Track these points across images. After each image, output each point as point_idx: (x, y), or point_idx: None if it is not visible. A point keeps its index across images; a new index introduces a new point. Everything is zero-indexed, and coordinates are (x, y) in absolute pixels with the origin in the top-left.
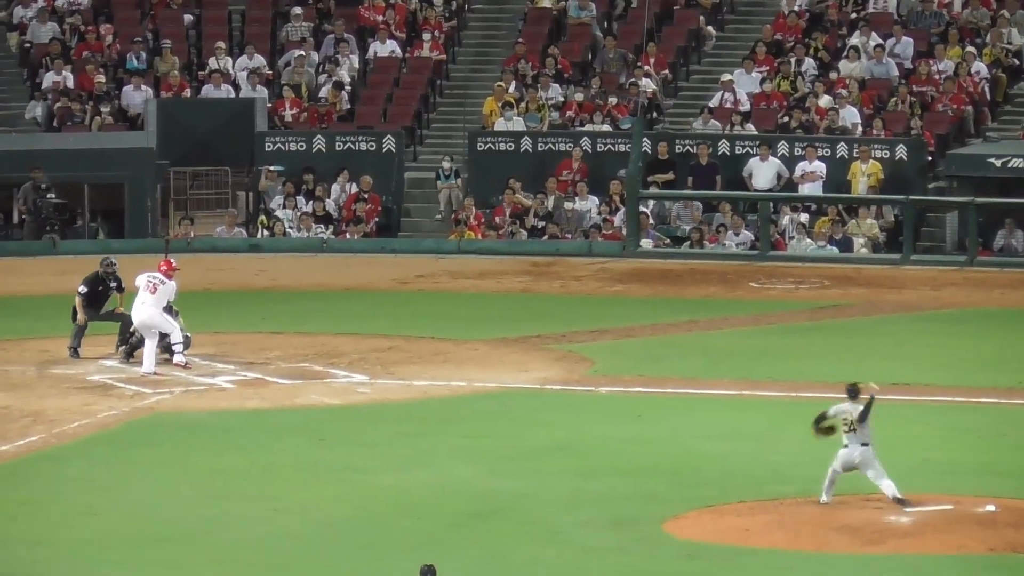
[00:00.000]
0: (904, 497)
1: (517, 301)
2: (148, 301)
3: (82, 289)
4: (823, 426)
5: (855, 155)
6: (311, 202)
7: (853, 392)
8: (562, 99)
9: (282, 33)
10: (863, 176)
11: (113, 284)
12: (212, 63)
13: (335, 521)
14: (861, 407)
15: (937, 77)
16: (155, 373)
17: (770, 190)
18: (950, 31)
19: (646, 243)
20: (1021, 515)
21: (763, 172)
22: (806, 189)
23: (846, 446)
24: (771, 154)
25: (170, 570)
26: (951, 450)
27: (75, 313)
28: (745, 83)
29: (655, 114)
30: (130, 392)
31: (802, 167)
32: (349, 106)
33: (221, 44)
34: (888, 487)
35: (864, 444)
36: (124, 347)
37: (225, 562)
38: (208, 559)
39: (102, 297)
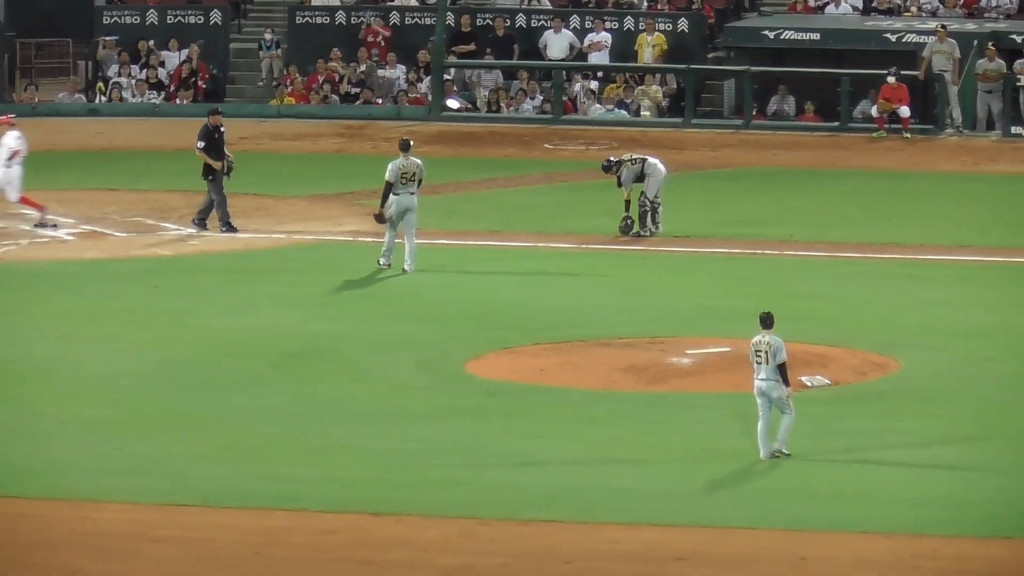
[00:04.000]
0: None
1: (332, 161)
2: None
3: (200, 144)
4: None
5: (641, 28)
6: (145, 70)
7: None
8: None
9: None
10: (648, 47)
11: (223, 129)
12: None
13: (169, 361)
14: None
15: None
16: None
17: (563, 59)
18: None
19: (453, 103)
20: (792, 356)
21: (556, 43)
22: (594, 58)
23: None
24: (564, 27)
25: (20, 404)
26: (729, 297)
27: (207, 170)
28: None
29: None
30: None
31: (591, 38)
32: None
33: None
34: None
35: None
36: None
37: (70, 397)
38: (55, 395)
39: (220, 143)
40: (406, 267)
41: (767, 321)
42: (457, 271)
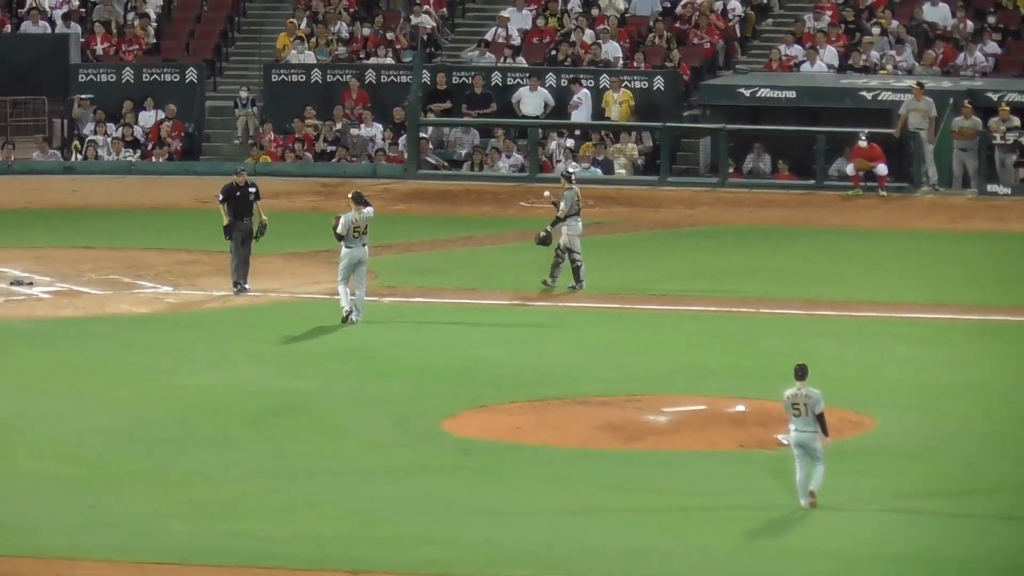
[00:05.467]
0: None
1: (308, 219)
2: None
3: (220, 195)
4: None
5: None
6: (120, 128)
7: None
8: (349, 34)
9: None
10: (615, 104)
11: (252, 189)
12: (30, 1)
13: (141, 418)
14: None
15: (694, 13)
16: None
17: (537, 117)
18: None
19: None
20: (767, 414)
21: (531, 100)
22: (574, 115)
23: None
24: (540, 85)
25: None
26: (705, 355)
27: (227, 229)
28: (517, 20)
29: (434, 48)
30: None
31: (576, 98)
32: (155, 40)
33: None
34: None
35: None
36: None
37: (41, 454)
38: (26, 451)
39: (244, 202)
40: (353, 317)
41: (801, 373)
42: (433, 329)
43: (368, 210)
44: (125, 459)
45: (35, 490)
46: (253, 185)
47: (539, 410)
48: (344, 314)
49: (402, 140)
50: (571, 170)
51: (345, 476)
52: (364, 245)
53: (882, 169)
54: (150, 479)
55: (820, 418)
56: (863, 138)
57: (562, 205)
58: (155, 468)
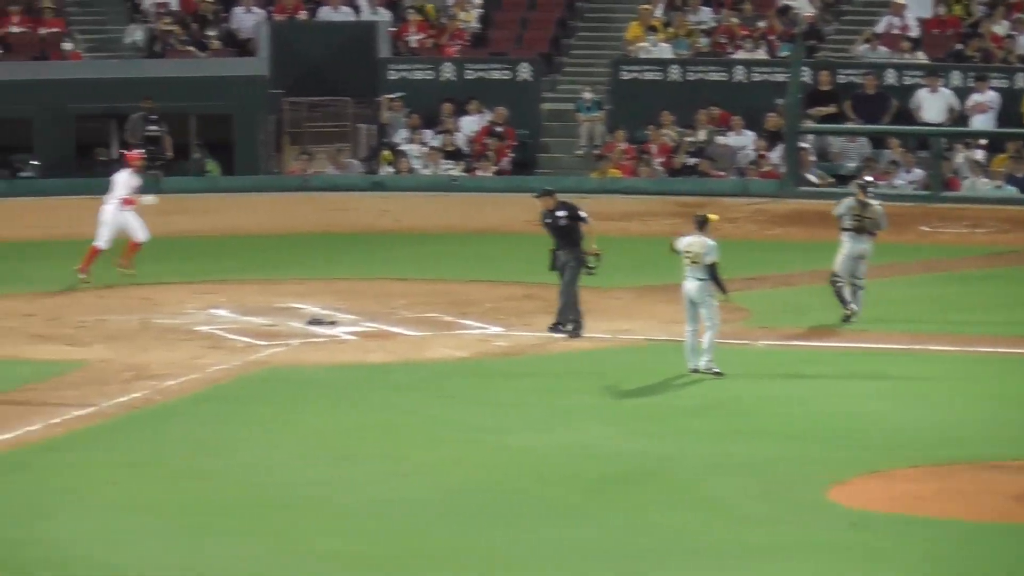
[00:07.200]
0: (719, 370)
1: (665, 245)
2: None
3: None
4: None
5: None
6: (439, 136)
7: (701, 223)
8: (713, 24)
9: None
10: None
11: (561, 213)
12: None
13: (463, 486)
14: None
15: None
16: None
17: (940, 124)
18: None
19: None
20: None
21: (932, 104)
22: (977, 122)
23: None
24: (942, 85)
25: (282, 539)
26: None
27: (553, 261)
28: (915, 7)
29: (816, 41)
30: (242, 344)
31: (974, 98)
32: (480, 29)
33: None
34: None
35: (700, 279)
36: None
37: (343, 531)
38: (325, 528)
39: (565, 231)
40: (700, 365)
41: None
42: (815, 379)
43: (706, 240)
44: (439, 536)
45: (328, 572)
46: (563, 207)
47: (943, 476)
48: (690, 367)
49: (777, 151)
50: (868, 178)
51: (710, 555)
52: (699, 279)
53: None
54: (469, 560)
55: None
56: None
57: (844, 204)
58: (476, 547)
